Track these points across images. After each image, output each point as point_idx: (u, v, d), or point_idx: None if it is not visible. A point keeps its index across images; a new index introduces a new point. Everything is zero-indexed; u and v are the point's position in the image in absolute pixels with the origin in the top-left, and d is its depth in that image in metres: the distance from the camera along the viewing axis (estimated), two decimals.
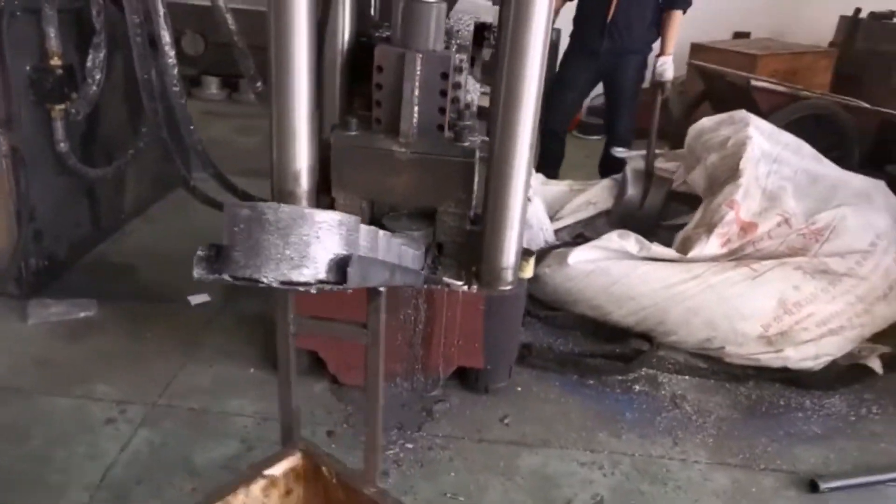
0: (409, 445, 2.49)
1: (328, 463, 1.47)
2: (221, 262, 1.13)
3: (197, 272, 1.15)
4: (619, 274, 3.10)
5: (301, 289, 1.14)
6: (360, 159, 2.60)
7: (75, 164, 3.14)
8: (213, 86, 6.26)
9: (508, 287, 2.63)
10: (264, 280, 1.11)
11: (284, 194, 2.45)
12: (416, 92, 2.53)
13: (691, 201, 3.93)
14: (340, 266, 1.16)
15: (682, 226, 3.85)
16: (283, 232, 1.10)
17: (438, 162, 2.58)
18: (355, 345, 2.71)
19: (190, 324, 3.07)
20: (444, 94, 2.60)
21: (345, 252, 1.18)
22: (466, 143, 2.61)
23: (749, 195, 3.28)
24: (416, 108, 2.56)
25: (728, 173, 3.44)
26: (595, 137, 5.95)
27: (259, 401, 2.63)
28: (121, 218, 3.89)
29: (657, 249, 3.12)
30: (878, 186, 3.61)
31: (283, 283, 1.11)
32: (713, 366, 3.12)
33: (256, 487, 1.44)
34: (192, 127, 2.90)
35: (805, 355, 3.03)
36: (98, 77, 3.10)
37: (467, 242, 2.73)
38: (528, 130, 2.36)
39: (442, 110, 2.62)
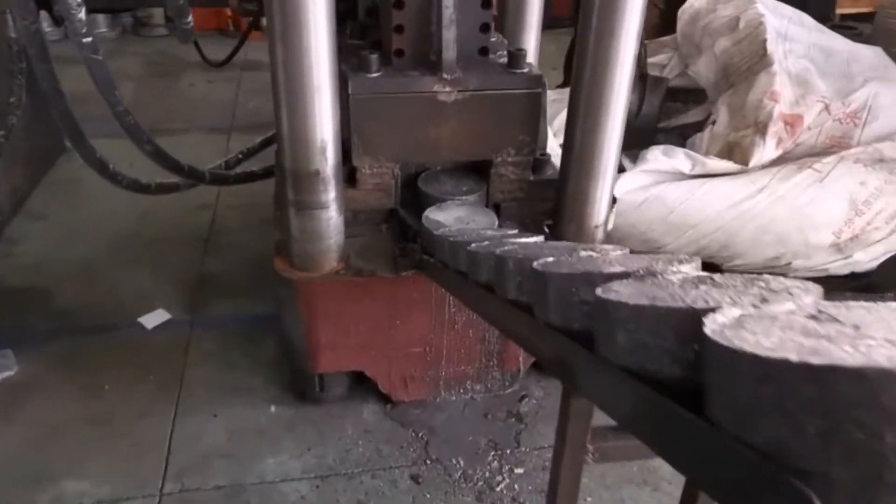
0: (519, 470, 1.94)
1: None
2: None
3: None
4: (675, 200, 2.61)
5: None
6: (391, 110, 1.89)
7: None
8: (101, 23, 5.07)
9: None
10: None
11: (308, 176, 1.72)
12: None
13: (688, 97, 3.49)
14: None
15: (682, 127, 3.42)
16: None
17: (497, 98, 1.93)
18: (410, 353, 2.10)
19: (159, 357, 2.27)
20: (486, 5, 1.91)
21: None
22: (526, 70, 1.95)
23: (783, 83, 2.86)
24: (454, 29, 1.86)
25: (751, 59, 2.99)
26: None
27: (303, 452, 1.96)
28: None
29: (713, 164, 2.65)
30: (878, 53, 3.31)
31: None
32: None
33: None
34: (116, 92, 2.02)
35: (873, 256, 2.74)
36: None
37: (528, 197, 2.12)
38: (630, 49, 1.75)
39: (485, 28, 1.94)
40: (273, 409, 2.08)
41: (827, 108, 2.88)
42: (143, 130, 2.16)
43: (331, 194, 1.79)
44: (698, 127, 3.25)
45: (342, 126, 1.80)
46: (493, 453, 1.98)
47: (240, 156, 2.98)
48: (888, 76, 3.13)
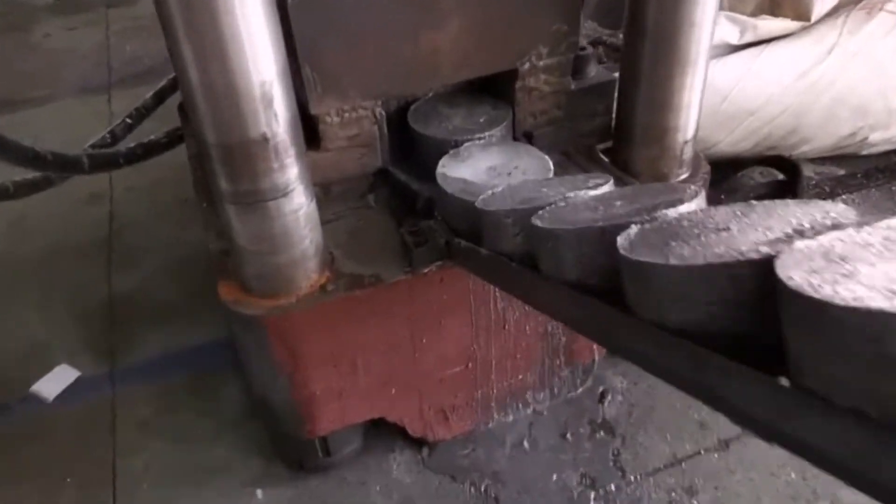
0: None
1: None
2: None
3: None
4: (727, 83, 1.97)
5: None
6: (357, 14, 1.16)
7: None
8: None
9: (686, 176, 1.42)
10: None
11: (248, 149, 1.00)
12: None
13: None
14: None
15: None
16: None
17: None
18: (447, 377, 1.44)
19: (74, 443, 1.56)
20: None
21: None
22: None
23: None
24: None
25: None
26: None
27: None
28: None
29: (766, 25, 1.99)
30: None
31: None
32: (855, 168, 2.21)
33: None
34: None
35: None
36: None
37: (569, 114, 1.44)
38: None
39: None
40: (260, 494, 1.42)
41: None
42: None
43: (292, 171, 1.07)
44: None
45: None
46: (593, 496, 1.37)
47: (128, 120, 2.14)
48: None
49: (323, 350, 1.23)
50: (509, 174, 1.21)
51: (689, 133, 1.36)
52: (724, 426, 1.48)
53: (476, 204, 1.06)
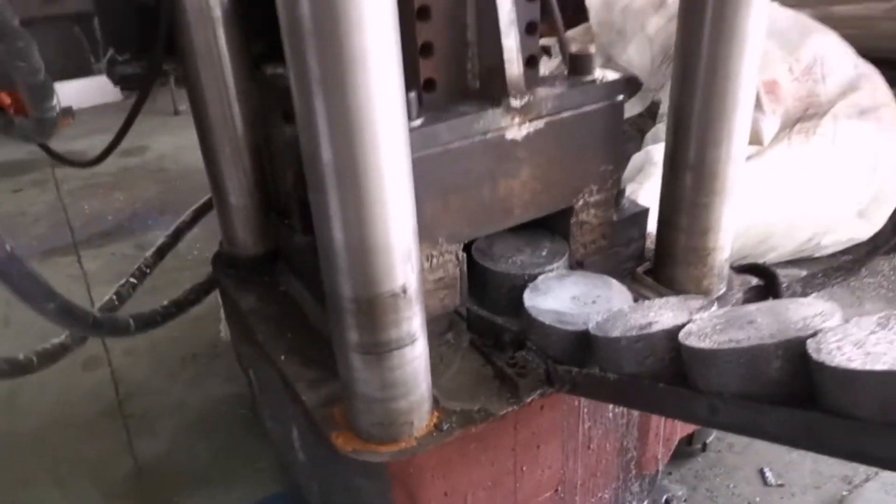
0: None
1: None
2: None
3: None
4: None
5: None
6: (453, 167, 1.28)
7: None
8: None
9: (725, 289, 1.58)
10: None
11: (388, 302, 1.09)
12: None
13: None
14: None
15: (628, 122, 3.07)
16: None
17: (575, 122, 1.38)
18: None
19: None
20: None
21: None
22: (598, 76, 1.42)
23: None
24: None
25: None
26: None
27: None
28: None
29: None
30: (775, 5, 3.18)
31: None
32: (813, 268, 2.47)
33: None
34: None
35: (887, 213, 2.52)
36: None
37: (612, 244, 1.58)
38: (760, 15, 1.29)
39: (532, 28, 1.39)
40: None
41: (790, 68, 2.63)
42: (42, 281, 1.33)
43: (417, 319, 1.13)
44: (651, 118, 2.92)
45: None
46: None
47: (132, 280, 2.11)
48: (810, 27, 2.96)
49: (439, 492, 1.24)
50: (594, 302, 1.31)
51: (727, 251, 1.52)
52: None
53: (592, 331, 1.16)
